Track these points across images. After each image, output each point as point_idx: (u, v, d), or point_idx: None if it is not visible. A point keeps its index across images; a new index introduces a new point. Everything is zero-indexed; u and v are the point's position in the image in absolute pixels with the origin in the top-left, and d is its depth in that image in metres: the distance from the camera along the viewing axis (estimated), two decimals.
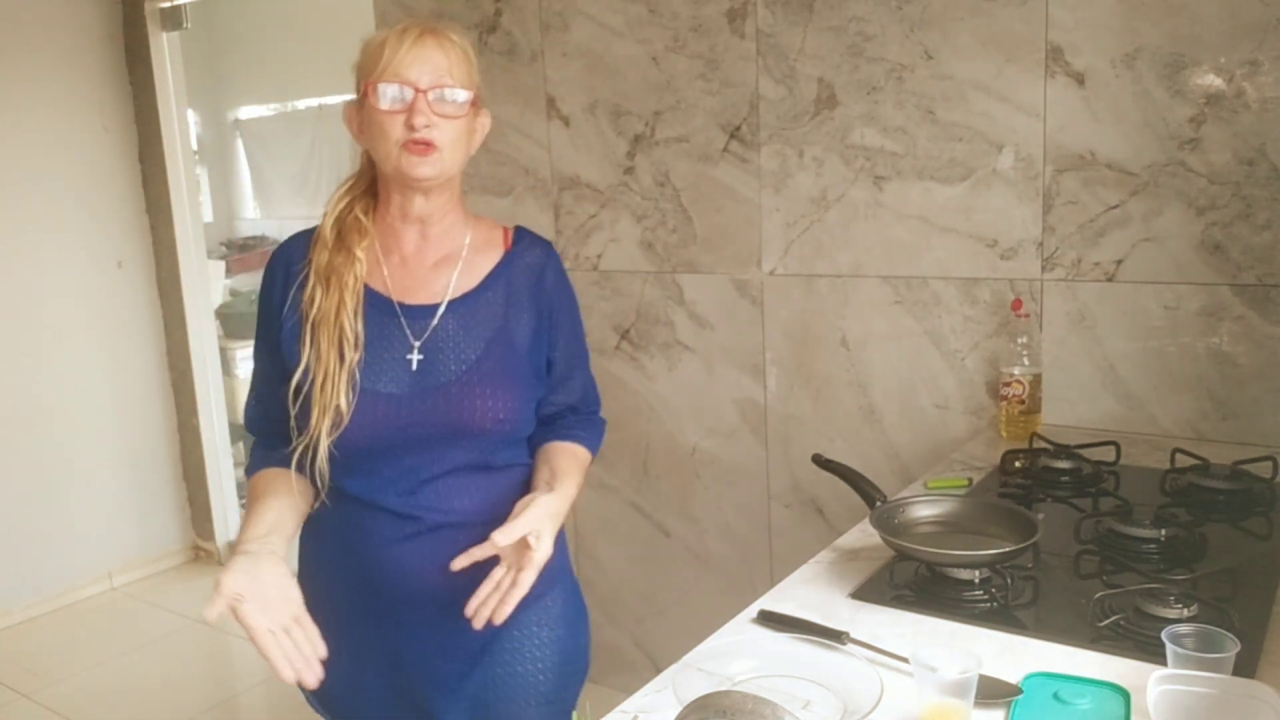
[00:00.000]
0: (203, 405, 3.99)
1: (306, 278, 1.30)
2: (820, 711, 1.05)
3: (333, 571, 1.36)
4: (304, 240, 1.35)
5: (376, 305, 1.30)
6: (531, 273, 1.37)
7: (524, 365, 1.34)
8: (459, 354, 1.29)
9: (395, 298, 1.31)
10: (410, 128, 1.23)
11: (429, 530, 1.29)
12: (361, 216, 1.32)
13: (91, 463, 3.79)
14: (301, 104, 6.16)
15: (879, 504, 1.48)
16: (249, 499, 1.34)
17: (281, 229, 6.79)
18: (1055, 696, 1.04)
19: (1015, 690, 1.05)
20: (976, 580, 1.30)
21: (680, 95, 2.45)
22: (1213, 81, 1.84)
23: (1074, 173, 2.00)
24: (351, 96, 1.32)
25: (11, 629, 3.55)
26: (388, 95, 1.24)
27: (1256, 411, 1.90)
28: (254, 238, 6.69)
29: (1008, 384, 2.02)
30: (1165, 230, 1.93)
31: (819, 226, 2.31)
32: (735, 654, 1.16)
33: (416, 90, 1.23)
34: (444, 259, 1.34)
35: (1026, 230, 2.07)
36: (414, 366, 1.28)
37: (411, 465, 1.29)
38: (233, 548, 4.11)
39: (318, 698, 1.42)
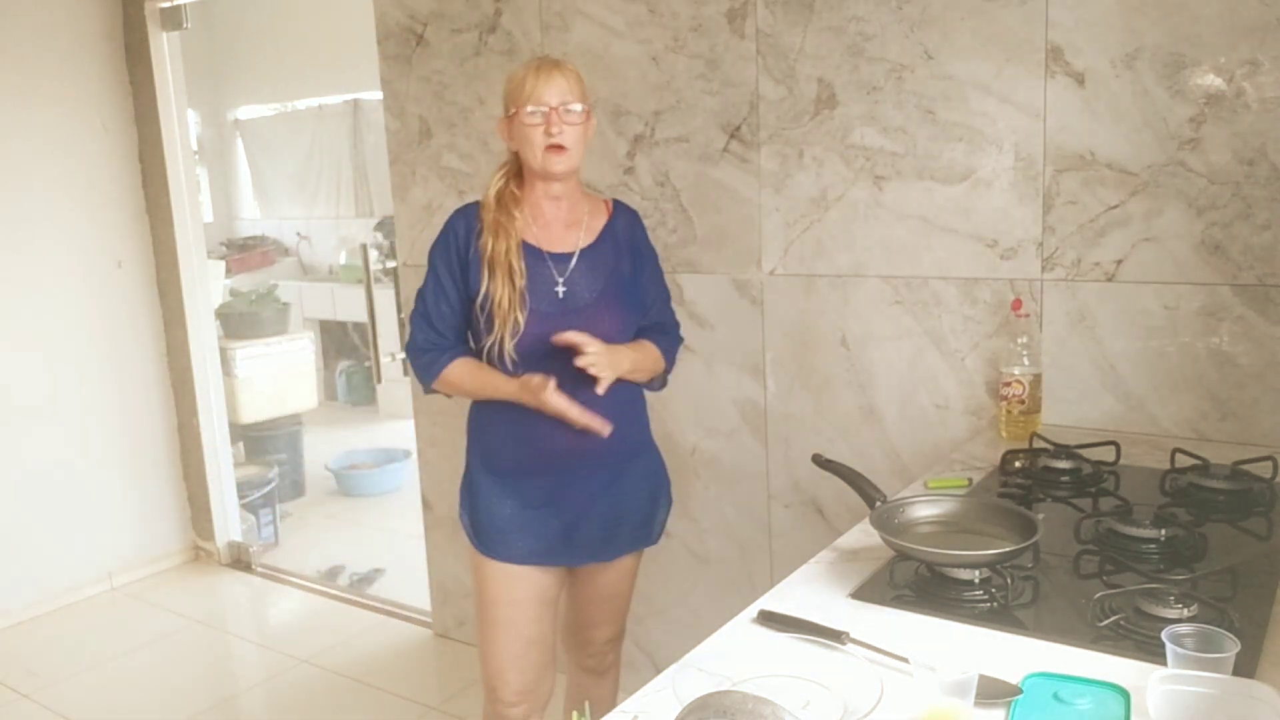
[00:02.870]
0: (203, 405, 3.98)
1: (480, 231, 1.85)
2: (820, 711, 1.05)
3: (505, 436, 1.90)
4: (472, 209, 1.90)
5: (532, 254, 1.85)
6: (627, 230, 1.96)
7: (631, 295, 1.93)
8: (589, 286, 1.87)
9: (544, 248, 1.86)
10: (548, 134, 1.77)
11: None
12: (515, 190, 1.87)
13: (91, 463, 3.79)
14: (301, 104, 6.15)
15: (879, 504, 1.48)
16: (463, 375, 1.88)
17: (281, 229, 6.80)
18: (1055, 696, 1.04)
19: (1015, 690, 1.05)
20: (976, 580, 1.30)
21: (680, 95, 2.45)
22: (1213, 81, 1.84)
23: (1074, 173, 2.00)
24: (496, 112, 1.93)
25: (11, 629, 3.55)
26: (533, 114, 1.77)
27: (1256, 411, 1.90)
28: (254, 237, 6.69)
29: (1008, 384, 2.02)
30: (1165, 230, 1.93)
31: (819, 226, 2.31)
32: (735, 654, 1.16)
33: (551, 108, 1.77)
34: (573, 221, 1.91)
35: (1026, 230, 2.07)
36: (560, 295, 1.85)
37: (566, 361, 1.77)
38: (235, 546, 4.12)
39: (484, 543, 1.92)
